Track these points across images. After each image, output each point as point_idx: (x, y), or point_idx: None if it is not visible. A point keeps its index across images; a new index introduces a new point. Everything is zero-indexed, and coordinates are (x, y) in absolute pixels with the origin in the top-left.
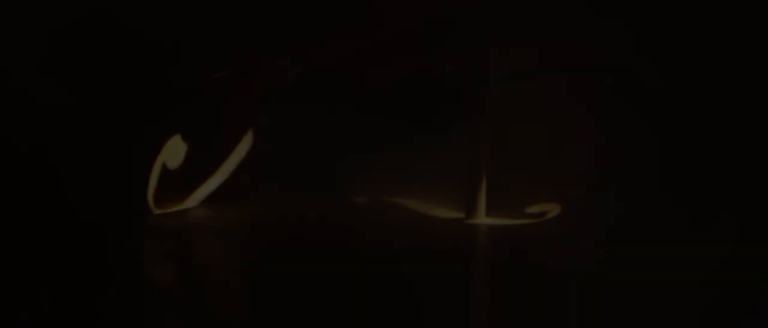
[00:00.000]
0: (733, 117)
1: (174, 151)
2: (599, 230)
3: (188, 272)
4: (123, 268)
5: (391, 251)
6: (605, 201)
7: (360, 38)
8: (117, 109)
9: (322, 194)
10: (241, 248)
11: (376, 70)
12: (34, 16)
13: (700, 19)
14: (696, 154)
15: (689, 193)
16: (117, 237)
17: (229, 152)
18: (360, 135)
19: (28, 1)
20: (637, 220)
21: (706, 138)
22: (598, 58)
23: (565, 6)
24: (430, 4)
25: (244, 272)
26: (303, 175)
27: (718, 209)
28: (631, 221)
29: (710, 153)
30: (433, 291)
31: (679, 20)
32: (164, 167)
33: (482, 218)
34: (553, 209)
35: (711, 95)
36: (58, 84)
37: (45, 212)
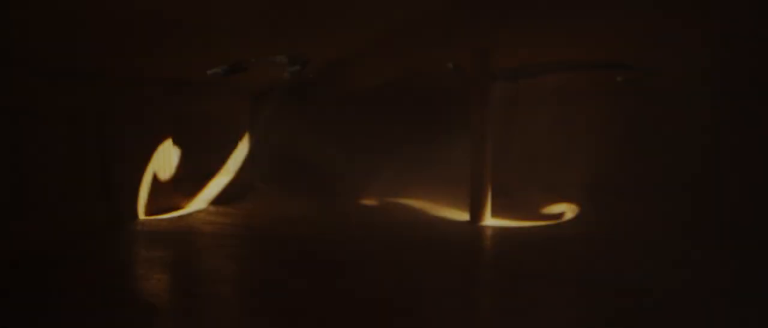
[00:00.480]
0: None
1: (165, 157)
2: (603, 232)
3: (191, 275)
4: (117, 271)
5: (397, 250)
6: (608, 204)
7: (359, 33)
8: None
9: (330, 194)
10: (240, 250)
11: (377, 68)
12: None
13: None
14: (698, 158)
15: (689, 196)
16: (108, 241)
17: (231, 154)
18: (367, 137)
19: None
20: (637, 224)
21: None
22: (608, 55)
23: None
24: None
25: (243, 274)
26: (310, 176)
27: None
28: (631, 225)
29: (715, 156)
30: (435, 292)
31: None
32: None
33: (488, 220)
34: (561, 212)
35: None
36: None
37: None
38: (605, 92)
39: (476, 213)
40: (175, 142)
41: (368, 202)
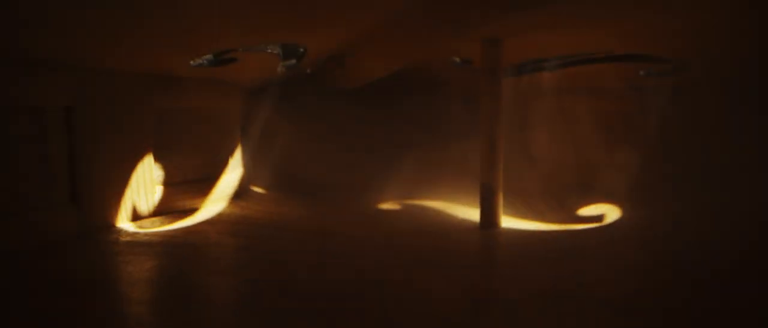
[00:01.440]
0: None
1: (146, 159)
2: (610, 236)
3: (162, 296)
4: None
5: (404, 254)
6: (619, 209)
7: (360, 25)
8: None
9: (332, 198)
10: (221, 265)
11: (381, 61)
12: None
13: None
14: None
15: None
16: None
17: (223, 154)
18: (373, 137)
19: None
20: (640, 230)
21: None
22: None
23: None
24: None
25: (242, 276)
26: (310, 177)
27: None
28: (635, 232)
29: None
30: (440, 295)
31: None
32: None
33: (499, 224)
34: (588, 215)
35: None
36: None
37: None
38: (631, 88)
39: (489, 217)
40: (159, 142)
41: (381, 204)
